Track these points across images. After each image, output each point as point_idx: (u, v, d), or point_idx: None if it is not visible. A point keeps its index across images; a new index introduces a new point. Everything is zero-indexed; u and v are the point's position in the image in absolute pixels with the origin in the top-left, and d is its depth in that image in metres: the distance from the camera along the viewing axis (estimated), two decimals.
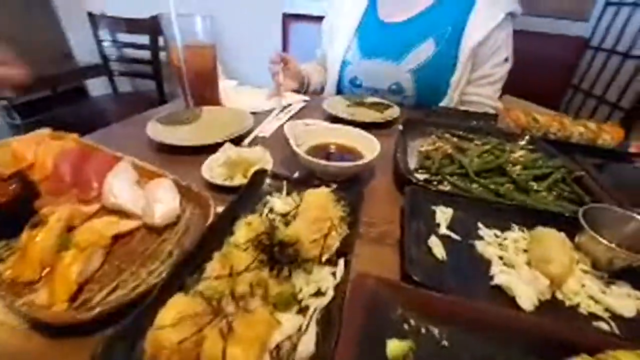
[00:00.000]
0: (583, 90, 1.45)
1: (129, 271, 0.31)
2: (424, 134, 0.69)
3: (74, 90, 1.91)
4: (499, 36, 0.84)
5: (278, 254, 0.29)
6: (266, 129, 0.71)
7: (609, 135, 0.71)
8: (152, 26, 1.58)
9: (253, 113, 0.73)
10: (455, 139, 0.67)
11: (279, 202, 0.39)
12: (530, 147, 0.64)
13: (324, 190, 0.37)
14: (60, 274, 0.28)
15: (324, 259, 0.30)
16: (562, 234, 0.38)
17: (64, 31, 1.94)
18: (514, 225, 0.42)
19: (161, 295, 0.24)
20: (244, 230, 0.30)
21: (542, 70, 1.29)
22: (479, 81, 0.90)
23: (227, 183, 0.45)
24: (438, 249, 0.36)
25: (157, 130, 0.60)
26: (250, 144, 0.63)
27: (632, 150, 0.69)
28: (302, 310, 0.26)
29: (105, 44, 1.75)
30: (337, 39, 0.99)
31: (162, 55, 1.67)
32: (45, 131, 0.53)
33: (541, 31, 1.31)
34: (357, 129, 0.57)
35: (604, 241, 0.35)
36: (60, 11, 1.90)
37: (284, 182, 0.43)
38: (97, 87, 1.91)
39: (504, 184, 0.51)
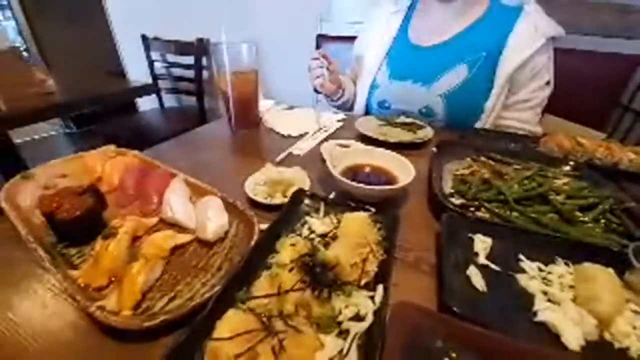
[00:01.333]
0: (633, 110, 1.36)
1: (184, 281, 0.34)
2: (459, 157, 0.68)
3: (124, 103, 2.11)
4: (540, 60, 0.82)
5: (319, 276, 0.30)
6: (301, 147, 0.74)
7: None
8: (198, 48, 1.71)
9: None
10: (492, 163, 0.66)
11: (318, 223, 0.41)
12: (575, 173, 0.61)
13: (361, 214, 0.38)
14: (128, 282, 0.31)
15: (362, 283, 0.32)
16: (611, 270, 0.37)
17: (119, 52, 2.16)
18: (558, 258, 0.40)
19: (215, 308, 0.27)
20: (289, 250, 0.32)
21: (587, 89, 1.23)
22: (517, 105, 0.88)
23: (268, 201, 0.48)
24: (477, 280, 0.36)
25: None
26: (283, 162, 0.66)
27: None
28: (342, 333, 0.27)
29: (156, 64, 1.92)
30: (367, 60, 1.01)
31: (205, 74, 1.81)
32: (111, 147, 0.60)
33: (586, 49, 1.26)
34: (392, 152, 0.58)
35: None
36: (117, 34, 2.13)
37: (322, 203, 0.45)
38: (145, 101, 2.09)
39: (546, 214, 0.50)
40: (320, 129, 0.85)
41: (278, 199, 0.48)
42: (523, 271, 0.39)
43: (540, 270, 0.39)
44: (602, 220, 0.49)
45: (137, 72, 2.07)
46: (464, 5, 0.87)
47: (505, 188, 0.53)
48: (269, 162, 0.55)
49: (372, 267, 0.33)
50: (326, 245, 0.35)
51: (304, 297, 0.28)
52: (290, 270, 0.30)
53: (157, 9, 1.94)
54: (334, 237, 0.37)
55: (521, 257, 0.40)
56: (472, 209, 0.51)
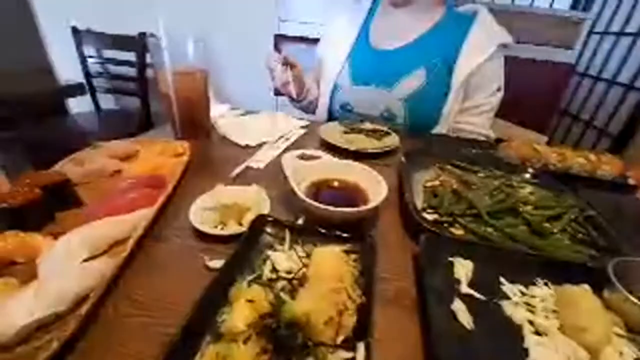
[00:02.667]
0: (571, 114, 1.49)
1: None
2: (426, 166, 0.66)
3: (50, 105, 1.82)
4: (491, 67, 0.84)
5: (285, 340, 0.24)
6: (260, 159, 0.66)
7: (609, 166, 0.71)
8: (140, 43, 1.53)
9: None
10: (458, 171, 0.65)
11: (282, 258, 0.35)
12: (535, 181, 0.62)
13: (335, 249, 0.32)
14: None
15: (339, 340, 0.26)
16: (588, 288, 0.35)
17: (46, 46, 1.87)
18: (538, 279, 0.38)
19: None
20: (245, 309, 0.25)
21: (530, 95, 1.31)
22: (471, 110, 0.90)
23: (219, 232, 0.40)
24: (464, 315, 0.32)
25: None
26: (239, 177, 0.58)
27: (631, 182, 0.68)
28: None
29: (89, 60, 1.68)
30: (329, 63, 0.98)
31: (149, 72, 1.62)
32: (185, 144, 0.60)
33: (530, 57, 1.35)
34: (360, 164, 0.54)
35: None
36: (43, 26, 1.83)
37: (287, 231, 0.38)
38: (77, 102, 1.83)
39: (517, 226, 0.48)
40: (282, 136, 0.78)
41: (232, 228, 0.40)
42: (506, 297, 0.36)
43: (523, 294, 0.37)
44: (569, 230, 0.48)
45: (68, 69, 1.79)
46: (421, 11, 0.87)
47: (477, 200, 0.51)
48: (219, 183, 0.46)
49: (350, 320, 0.27)
50: (292, 291, 0.29)
51: None
52: (246, 340, 0.23)
53: None
54: (302, 280, 0.30)
55: (502, 280, 0.38)
56: (446, 225, 0.49)
